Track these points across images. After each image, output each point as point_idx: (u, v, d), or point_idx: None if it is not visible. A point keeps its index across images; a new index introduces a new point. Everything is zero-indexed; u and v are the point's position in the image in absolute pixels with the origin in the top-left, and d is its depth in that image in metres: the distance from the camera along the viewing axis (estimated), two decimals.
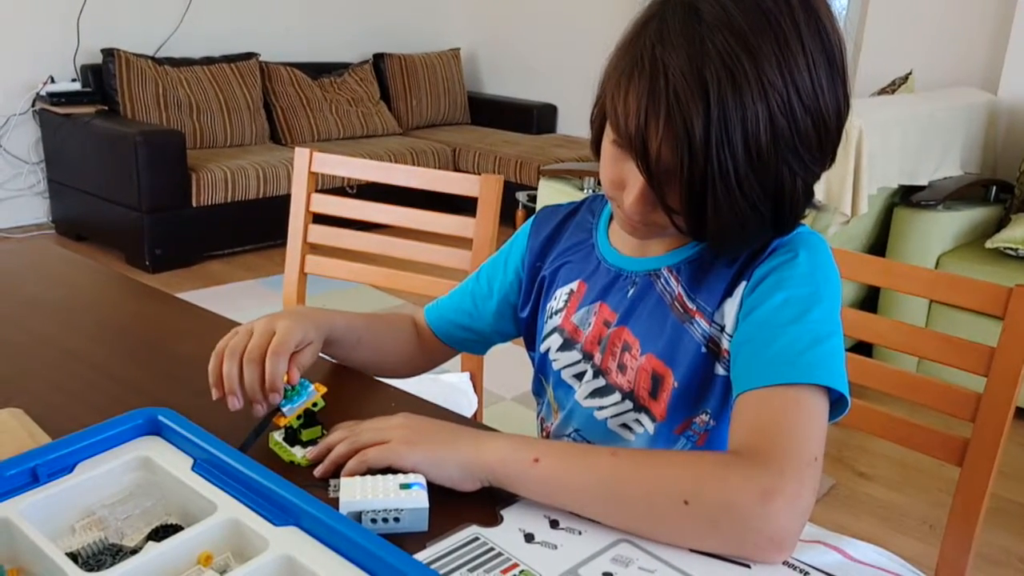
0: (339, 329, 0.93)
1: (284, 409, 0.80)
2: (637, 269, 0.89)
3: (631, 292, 0.89)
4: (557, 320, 0.94)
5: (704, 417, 0.86)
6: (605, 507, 0.70)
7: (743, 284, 0.82)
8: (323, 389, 0.82)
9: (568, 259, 0.96)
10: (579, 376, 0.93)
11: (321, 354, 0.91)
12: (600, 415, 0.91)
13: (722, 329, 0.83)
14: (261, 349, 0.81)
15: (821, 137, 0.74)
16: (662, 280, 0.87)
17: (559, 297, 0.95)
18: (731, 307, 0.82)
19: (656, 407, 0.87)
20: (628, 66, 0.74)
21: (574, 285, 0.94)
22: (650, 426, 0.88)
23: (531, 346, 1.01)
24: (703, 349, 0.84)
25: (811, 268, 0.80)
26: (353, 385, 0.98)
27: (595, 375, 0.91)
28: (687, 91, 0.69)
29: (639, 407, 0.88)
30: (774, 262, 0.81)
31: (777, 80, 0.70)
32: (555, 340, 0.95)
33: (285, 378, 0.80)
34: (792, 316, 0.77)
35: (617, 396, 0.89)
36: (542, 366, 0.98)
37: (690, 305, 0.85)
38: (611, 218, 0.95)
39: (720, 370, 0.84)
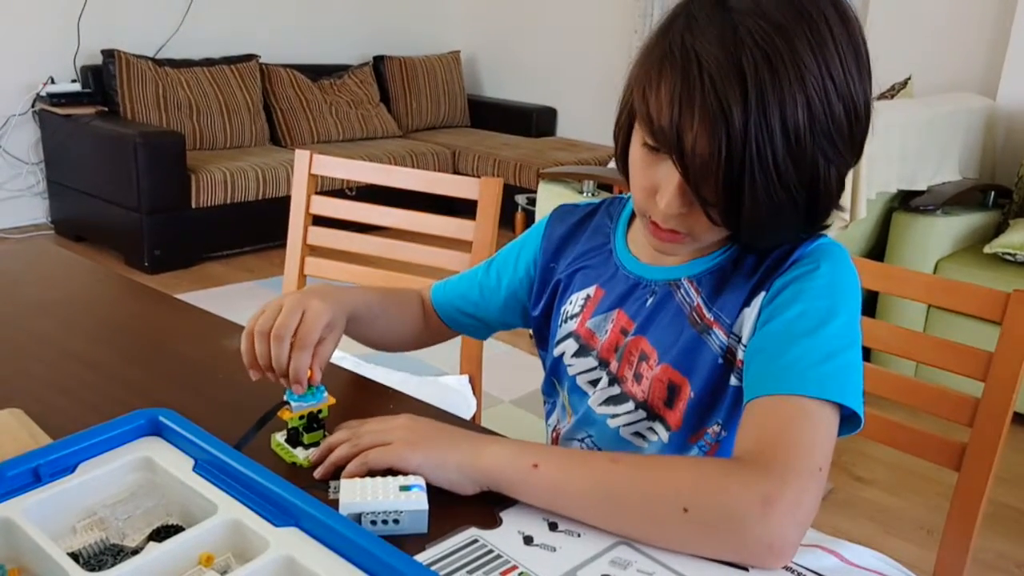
0: (360, 308, 0.93)
1: (292, 404, 0.80)
2: (656, 278, 0.88)
3: (650, 301, 0.88)
4: (572, 325, 0.94)
5: (716, 428, 0.86)
6: (604, 513, 0.70)
7: (762, 295, 0.81)
8: (332, 401, 0.83)
9: (585, 263, 0.95)
10: (594, 383, 0.92)
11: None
12: (613, 423, 0.90)
13: (739, 340, 0.82)
14: (288, 329, 0.81)
15: (852, 126, 0.74)
16: (682, 290, 0.86)
17: (575, 302, 0.94)
18: (749, 317, 0.81)
19: (672, 416, 0.87)
20: (657, 61, 0.73)
21: (591, 290, 0.93)
22: (664, 435, 0.88)
23: (542, 345, 1.01)
24: (720, 360, 0.83)
25: (831, 280, 0.79)
26: (353, 387, 0.98)
27: (610, 383, 0.90)
28: (723, 77, 0.68)
29: (653, 416, 0.88)
30: (795, 273, 0.80)
31: (812, 65, 0.69)
32: (570, 345, 0.94)
33: (309, 373, 0.82)
34: (808, 328, 0.76)
35: (631, 405, 0.89)
36: (555, 369, 0.97)
37: (708, 316, 0.84)
38: (630, 222, 0.95)
39: (733, 380, 0.83)
